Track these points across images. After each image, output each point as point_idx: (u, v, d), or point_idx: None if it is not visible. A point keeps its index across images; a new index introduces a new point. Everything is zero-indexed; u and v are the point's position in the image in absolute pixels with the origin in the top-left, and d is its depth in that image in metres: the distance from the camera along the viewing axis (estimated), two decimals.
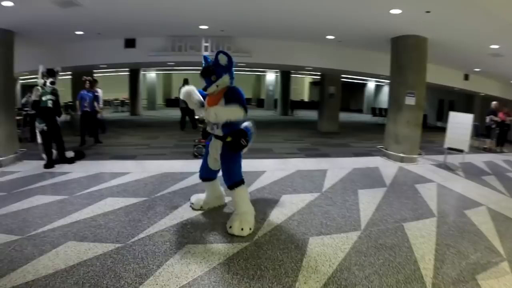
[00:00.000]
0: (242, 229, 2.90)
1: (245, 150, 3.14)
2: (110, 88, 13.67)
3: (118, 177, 4.56)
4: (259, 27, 6.55)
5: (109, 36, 6.94)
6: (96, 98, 7.13)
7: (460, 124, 6.09)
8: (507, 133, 9.57)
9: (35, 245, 2.62)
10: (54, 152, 5.19)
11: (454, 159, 6.54)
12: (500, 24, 4.71)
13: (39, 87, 5.04)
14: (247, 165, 4.83)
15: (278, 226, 3.24)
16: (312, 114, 17.78)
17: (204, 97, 3.07)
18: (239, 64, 11.39)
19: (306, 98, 24.75)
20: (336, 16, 5.36)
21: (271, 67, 14.97)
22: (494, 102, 9.45)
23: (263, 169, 5.30)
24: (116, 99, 16.10)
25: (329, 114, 11.21)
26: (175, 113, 15.46)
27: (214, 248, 2.71)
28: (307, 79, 24.65)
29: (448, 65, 9.32)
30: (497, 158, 8.06)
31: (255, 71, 19.87)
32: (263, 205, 3.78)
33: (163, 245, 2.71)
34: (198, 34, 7.22)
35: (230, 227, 2.95)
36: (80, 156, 5.57)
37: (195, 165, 5.26)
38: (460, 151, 6.15)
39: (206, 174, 3.40)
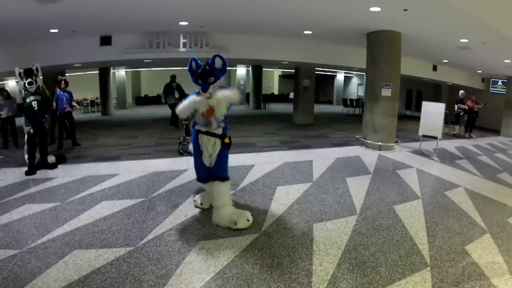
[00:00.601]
0: (234, 223, 3.00)
1: None
2: (78, 87, 12.84)
3: (107, 180, 4.39)
4: (238, 23, 6.56)
5: (84, 33, 6.59)
6: (71, 98, 6.76)
7: (433, 113, 6.61)
8: (475, 120, 10.52)
9: (38, 257, 2.47)
10: (37, 157, 4.87)
11: (428, 146, 7.09)
12: (470, 21, 5.09)
13: (22, 90, 4.70)
14: (234, 160, 4.98)
15: (281, 216, 3.37)
16: (283, 107, 18.11)
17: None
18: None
19: (276, 91, 24.93)
20: (315, 13, 5.51)
21: (248, 62, 14.98)
22: (461, 91, 10.30)
23: (251, 163, 5.37)
24: (85, 99, 15.22)
25: (304, 107, 11.44)
26: (147, 111, 15.17)
27: (226, 242, 2.77)
28: (277, 73, 24.90)
29: (418, 57, 9.88)
30: (467, 143, 8.88)
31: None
32: (261, 197, 3.88)
33: (175, 244, 2.70)
34: (175, 31, 7.07)
35: (219, 217, 3.06)
36: (61, 160, 5.26)
37: (183, 162, 5.32)
38: (434, 138, 6.68)
39: (205, 175, 3.30)
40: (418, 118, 7.25)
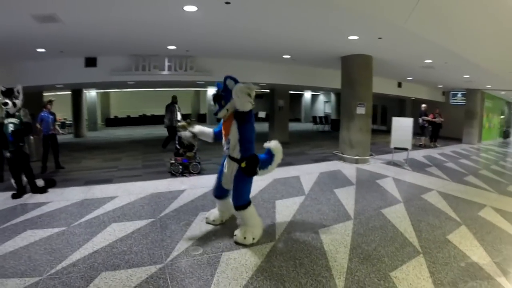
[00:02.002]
0: (245, 238, 3.11)
1: (273, 169, 3.31)
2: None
3: (108, 202, 4.38)
4: (222, 48, 6.93)
5: (70, 54, 6.55)
6: (55, 120, 6.60)
7: (402, 127, 7.44)
8: (438, 131, 11.76)
9: (65, 283, 2.44)
10: (24, 180, 4.70)
11: (399, 156, 7.90)
12: (434, 46, 5.91)
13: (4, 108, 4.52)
14: None
15: (289, 225, 3.69)
16: (256, 127, 18.58)
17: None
18: (197, 83, 11.57)
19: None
20: (297, 40, 6.07)
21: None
22: (423, 105, 11.54)
23: None
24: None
25: (280, 126, 11.98)
26: (121, 133, 14.91)
27: (248, 251, 3.01)
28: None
29: (384, 76, 10.94)
30: (433, 152, 10.01)
31: (195, 86, 20.03)
32: (265, 210, 4.16)
33: (202, 257, 2.88)
34: (161, 54, 7.30)
35: (235, 235, 3.18)
36: (51, 184, 5.10)
37: (178, 183, 5.47)
38: (405, 149, 7.49)
39: (220, 193, 3.53)
40: (384, 132, 8.09)
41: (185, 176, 5.98)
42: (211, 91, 19.85)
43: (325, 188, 5.33)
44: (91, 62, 6.95)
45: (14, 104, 4.54)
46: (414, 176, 6.43)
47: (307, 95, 24.02)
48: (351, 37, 5.57)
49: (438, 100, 15.16)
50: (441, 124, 11.68)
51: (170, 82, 9.16)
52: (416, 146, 10.82)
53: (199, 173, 6.16)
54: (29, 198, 4.54)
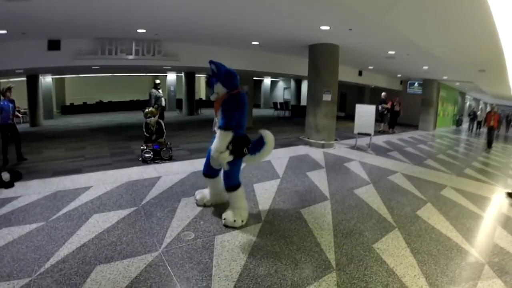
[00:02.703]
0: (234, 221, 3.21)
1: (261, 158, 3.47)
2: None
3: (83, 193, 4.16)
4: (190, 32, 6.76)
5: (32, 37, 5.91)
6: (14, 108, 5.95)
7: (365, 113, 7.98)
8: (397, 118, 12.68)
9: (59, 282, 2.30)
10: None
11: (362, 141, 8.49)
12: (399, 38, 6.25)
13: None
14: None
15: (271, 207, 3.91)
16: (213, 113, 18.45)
17: None
18: (164, 68, 11.10)
19: (203, 97, 25.01)
20: (267, 27, 6.10)
21: (196, 70, 14.94)
22: (383, 93, 12.33)
23: None
24: None
25: None
26: (79, 121, 13.86)
27: (239, 233, 3.15)
28: (203, 78, 24.99)
29: (346, 64, 11.35)
30: (392, 138, 10.88)
31: (154, 71, 19.21)
32: (246, 194, 4.16)
33: (196, 242, 2.95)
34: (128, 37, 6.89)
35: (224, 218, 3.25)
36: (17, 177, 4.67)
37: (151, 170, 5.38)
38: (368, 134, 8.07)
39: (208, 171, 3.62)
40: (343, 118, 8.53)
41: (157, 162, 5.88)
42: (170, 76, 19.22)
43: (298, 171, 5.61)
44: (54, 45, 6.33)
45: None
46: (378, 160, 7.02)
47: (267, 81, 24.19)
48: (322, 27, 5.77)
49: (396, 89, 16.26)
50: (399, 111, 12.64)
51: (136, 66, 8.70)
52: (375, 132, 11.67)
53: (171, 159, 6.09)
54: None
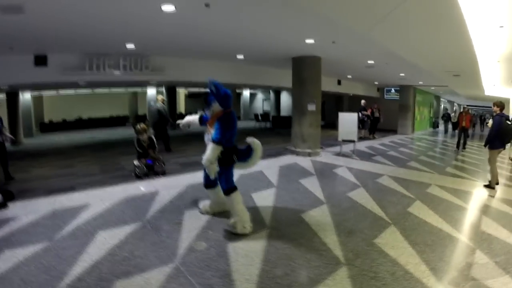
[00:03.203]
0: (244, 227, 3.40)
1: (254, 163, 3.77)
2: None
3: (83, 211, 4.09)
4: (177, 47, 6.89)
5: (18, 52, 5.78)
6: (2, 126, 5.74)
7: (347, 121, 8.42)
8: (377, 124, 13.25)
9: None
10: None
11: (345, 148, 8.88)
12: (380, 48, 6.65)
13: None
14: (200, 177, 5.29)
15: (273, 213, 4.09)
16: (197, 127, 18.43)
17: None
18: (150, 82, 11.01)
19: (183, 111, 24.97)
20: (252, 40, 6.35)
21: (181, 84, 14.93)
22: (363, 101, 12.87)
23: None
24: None
25: None
26: (61, 138, 13.45)
27: (249, 239, 3.29)
28: (182, 92, 24.98)
29: (326, 74, 11.50)
30: (374, 143, 11.42)
31: (136, 86, 19.02)
32: (246, 203, 4.28)
33: (210, 251, 3.05)
34: (115, 52, 6.92)
35: (234, 228, 3.41)
36: (9, 197, 4.49)
37: (147, 185, 5.38)
38: (352, 141, 8.49)
39: (208, 182, 3.88)
40: (324, 127, 8.79)
41: (151, 177, 5.88)
42: (151, 91, 19.11)
43: (290, 179, 5.82)
44: (41, 60, 6.21)
45: None
46: (364, 164, 7.42)
47: (246, 93, 24.40)
48: (308, 41, 6.14)
49: (373, 96, 17.02)
50: (379, 117, 13.28)
51: (122, 82, 8.68)
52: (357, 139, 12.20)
53: (164, 173, 6.11)
54: None
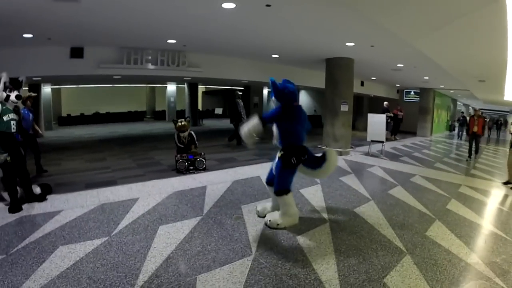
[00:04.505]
0: (278, 224, 3.42)
1: (323, 174, 3.65)
2: None
3: (133, 205, 4.08)
4: (215, 45, 6.94)
5: (55, 43, 5.80)
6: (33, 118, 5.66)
7: (377, 122, 8.45)
8: (399, 125, 13.25)
9: None
10: (19, 190, 4.01)
11: (373, 148, 8.92)
12: (415, 53, 6.57)
13: None
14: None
15: (328, 208, 4.20)
16: (216, 123, 18.72)
17: None
18: (185, 78, 11.03)
19: (200, 108, 25.19)
20: (291, 42, 6.38)
21: (214, 82, 14.93)
22: (385, 102, 12.77)
23: (255, 174, 5.81)
24: None
25: None
26: (81, 132, 13.63)
27: (314, 232, 3.44)
28: (200, 89, 25.19)
29: None
30: (397, 144, 11.53)
31: (151, 82, 19.15)
32: (298, 198, 4.47)
33: (283, 243, 3.14)
34: (152, 47, 6.96)
35: (270, 220, 3.45)
36: (48, 190, 4.42)
37: (192, 180, 5.41)
38: (381, 142, 8.52)
39: (270, 178, 3.76)
40: None
41: (193, 172, 5.94)
42: (171, 87, 19.18)
43: (330, 177, 5.63)
44: (77, 52, 6.21)
45: (19, 97, 3.95)
46: (394, 164, 7.49)
47: (264, 91, 24.50)
48: (348, 44, 6.16)
49: (393, 97, 16.93)
50: (402, 119, 13.28)
51: (155, 77, 8.74)
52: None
53: (205, 169, 6.15)
54: (30, 208, 3.90)
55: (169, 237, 3.18)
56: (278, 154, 3.55)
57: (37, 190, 4.26)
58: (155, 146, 9.36)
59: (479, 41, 5.08)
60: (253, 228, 3.47)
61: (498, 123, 23.64)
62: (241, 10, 4.31)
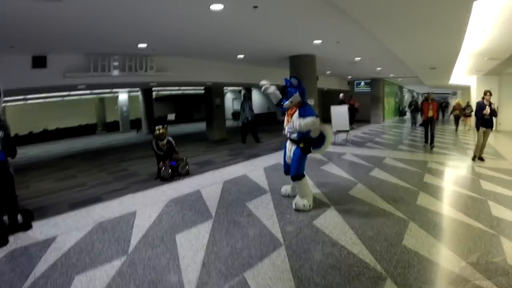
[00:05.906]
0: (303, 205, 3.92)
1: (326, 148, 4.16)
2: None
3: (134, 219, 3.85)
4: (182, 47, 6.91)
5: (16, 52, 5.21)
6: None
7: (340, 113, 9.14)
8: (355, 115, 14.20)
9: None
10: (5, 219, 3.50)
11: (338, 138, 9.61)
12: (377, 46, 7.10)
13: None
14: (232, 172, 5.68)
15: (325, 194, 4.54)
16: (175, 129, 17.88)
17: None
18: (150, 84, 10.37)
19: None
20: (258, 41, 6.57)
21: (183, 84, 14.42)
22: (341, 94, 13.53)
23: (241, 174, 5.90)
24: None
25: (218, 123, 12.40)
26: (35, 151, 12.54)
27: (325, 215, 3.74)
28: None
29: None
30: (357, 133, 12.36)
31: (100, 92, 17.94)
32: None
33: (304, 230, 3.36)
34: (119, 53, 6.60)
35: (296, 203, 3.95)
36: (30, 216, 3.87)
37: (182, 186, 5.30)
38: (346, 131, 9.24)
39: (287, 168, 4.28)
40: None
41: (178, 179, 5.85)
42: (122, 96, 18.17)
43: (312, 168, 6.13)
44: (39, 61, 5.59)
45: None
46: (363, 150, 8.21)
47: (228, 94, 24.60)
48: (315, 41, 6.59)
49: (344, 89, 17.98)
50: (357, 109, 14.41)
51: (121, 83, 8.24)
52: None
53: (188, 174, 6.10)
54: (17, 240, 3.39)
55: (192, 244, 3.11)
56: (292, 147, 4.08)
57: (18, 218, 3.79)
58: (124, 157, 8.91)
59: (441, 38, 5.82)
60: (269, 221, 3.62)
61: (443, 106, 26.48)
62: (227, 11, 4.48)
